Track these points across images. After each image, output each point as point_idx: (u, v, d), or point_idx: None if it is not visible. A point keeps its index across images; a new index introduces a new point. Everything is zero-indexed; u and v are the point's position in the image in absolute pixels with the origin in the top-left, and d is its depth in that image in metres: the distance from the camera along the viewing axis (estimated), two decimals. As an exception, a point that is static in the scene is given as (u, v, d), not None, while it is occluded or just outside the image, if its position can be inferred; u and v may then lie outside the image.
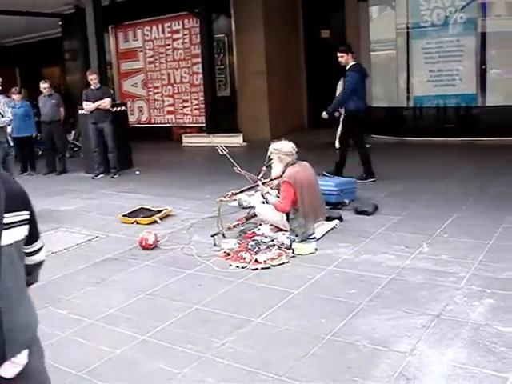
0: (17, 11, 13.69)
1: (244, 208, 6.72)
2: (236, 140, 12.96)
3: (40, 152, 12.45)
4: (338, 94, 8.85)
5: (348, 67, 8.35)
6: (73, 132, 13.68)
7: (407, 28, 12.13)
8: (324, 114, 8.44)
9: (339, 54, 8.43)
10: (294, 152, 5.71)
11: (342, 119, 9.12)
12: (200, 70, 14.43)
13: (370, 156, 8.26)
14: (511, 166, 8.50)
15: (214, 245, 5.57)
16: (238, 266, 4.96)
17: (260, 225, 5.97)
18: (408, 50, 12.17)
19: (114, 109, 10.65)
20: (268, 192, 5.78)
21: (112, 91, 13.80)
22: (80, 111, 10.70)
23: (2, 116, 7.92)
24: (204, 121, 14.58)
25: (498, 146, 10.30)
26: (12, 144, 8.27)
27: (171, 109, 15.48)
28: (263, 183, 5.86)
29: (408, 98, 12.34)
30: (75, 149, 13.58)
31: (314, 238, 5.51)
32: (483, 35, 11.24)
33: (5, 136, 8.00)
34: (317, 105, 13.86)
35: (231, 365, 3.35)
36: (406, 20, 12.12)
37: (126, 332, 3.89)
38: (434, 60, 11.77)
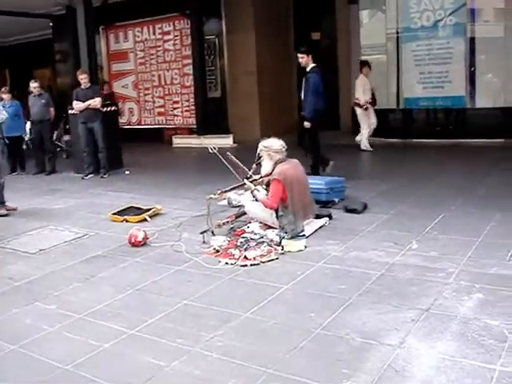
0: (6, 11, 13.62)
1: (233, 207, 6.71)
2: (226, 141, 12.96)
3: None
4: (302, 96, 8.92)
5: (309, 69, 8.49)
6: (55, 132, 13.57)
7: (397, 32, 12.21)
8: (307, 124, 8.48)
9: (299, 55, 8.58)
10: (283, 149, 5.72)
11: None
12: (191, 72, 14.44)
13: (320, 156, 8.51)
14: (500, 167, 8.56)
15: (204, 242, 5.56)
16: (227, 263, 4.95)
17: (249, 222, 5.96)
18: (398, 53, 12.24)
19: (105, 109, 10.62)
20: (255, 189, 5.79)
21: (103, 92, 13.78)
22: (70, 111, 10.66)
23: None
24: (194, 122, 14.59)
25: (487, 147, 10.39)
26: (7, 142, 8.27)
27: (162, 110, 15.47)
28: (251, 181, 5.87)
29: (398, 100, 12.39)
30: (58, 149, 13.47)
31: (304, 235, 5.52)
32: (472, 40, 11.36)
33: (1, 133, 8.01)
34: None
35: (220, 358, 3.34)
36: (396, 24, 12.20)
37: (115, 326, 3.87)
38: (424, 62, 11.84)
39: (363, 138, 11.16)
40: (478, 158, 9.67)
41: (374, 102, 11.27)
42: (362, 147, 11.08)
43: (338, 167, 8.31)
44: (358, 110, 11.30)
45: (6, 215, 7.50)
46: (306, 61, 8.47)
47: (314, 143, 8.56)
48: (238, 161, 6.14)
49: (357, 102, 11.26)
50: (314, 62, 8.50)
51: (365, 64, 11.31)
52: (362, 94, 11.13)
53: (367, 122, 11.21)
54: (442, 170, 8.54)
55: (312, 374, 3.09)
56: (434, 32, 11.70)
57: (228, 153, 6.19)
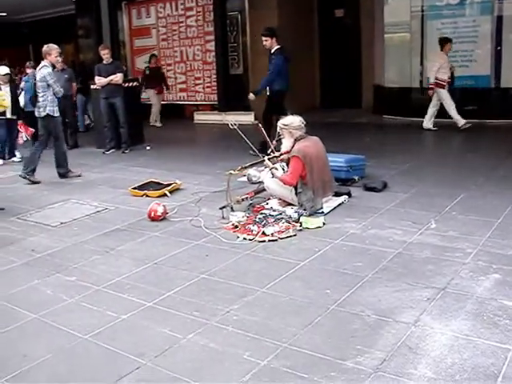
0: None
1: (253, 183, 6.69)
2: (248, 118, 12.89)
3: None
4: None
5: (273, 51, 8.88)
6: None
7: (422, 10, 12.01)
8: (251, 96, 8.97)
9: (263, 38, 8.98)
10: (303, 125, 5.72)
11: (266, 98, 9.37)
12: (213, 48, 14.39)
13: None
14: (523, 148, 8.46)
15: (223, 217, 5.59)
16: (245, 238, 4.98)
17: (269, 199, 5.99)
18: (422, 31, 12.05)
19: (126, 84, 10.65)
20: (274, 167, 5.80)
21: (125, 68, 13.82)
22: (92, 86, 10.71)
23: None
24: (216, 99, 14.56)
25: (511, 127, 10.22)
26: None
27: (183, 86, 15.45)
28: (269, 158, 5.88)
29: (421, 80, 12.23)
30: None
31: (322, 212, 5.52)
32: (499, 18, 11.13)
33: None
34: (329, 85, 13.84)
35: (235, 331, 3.38)
36: (421, 1, 12.00)
37: (133, 299, 3.93)
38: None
39: (427, 119, 10.67)
40: (501, 138, 9.54)
41: (452, 81, 10.62)
42: (430, 127, 10.60)
43: (359, 147, 8.24)
44: (442, 91, 10.45)
45: (79, 175, 8.28)
46: (269, 43, 8.88)
47: (265, 119, 8.87)
48: (266, 135, 6.12)
49: (440, 82, 10.43)
50: (278, 44, 8.85)
51: (447, 41, 10.60)
52: (439, 73, 10.39)
53: (450, 101, 10.49)
54: (464, 150, 8.46)
55: (326, 349, 3.12)
56: (460, 10, 11.48)
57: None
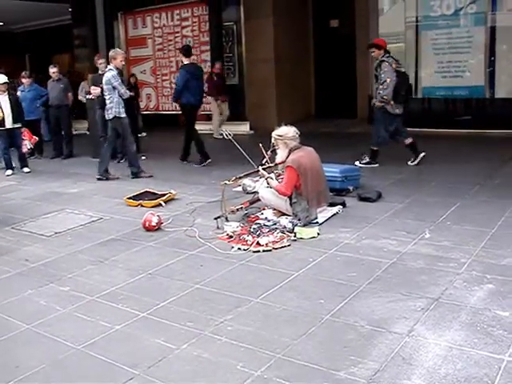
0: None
1: (248, 193, 6.74)
2: (243, 128, 12.98)
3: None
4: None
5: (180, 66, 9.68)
6: None
7: (416, 20, 12.08)
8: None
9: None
10: (297, 136, 5.74)
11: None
12: (208, 58, 14.44)
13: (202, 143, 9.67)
14: (517, 158, 8.49)
15: (217, 227, 5.59)
16: (239, 248, 4.98)
17: (263, 209, 5.99)
18: (417, 42, 12.13)
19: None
20: (269, 177, 5.81)
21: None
22: (88, 96, 10.72)
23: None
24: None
25: (506, 138, 10.26)
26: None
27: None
28: (264, 168, 5.89)
29: (416, 89, 12.28)
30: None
31: (317, 222, 5.53)
32: (492, 29, 11.21)
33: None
34: (325, 94, 13.88)
35: (229, 342, 3.37)
36: (416, 12, 12.08)
37: (127, 309, 3.93)
38: (443, 51, 11.73)
39: None
40: (495, 148, 9.57)
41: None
42: None
43: (352, 156, 8.26)
44: None
45: (151, 176, 8.58)
46: (182, 59, 9.67)
47: (186, 132, 9.81)
48: (263, 149, 6.16)
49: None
50: (188, 61, 9.56)
51: None
52: None
53: None
54: (459, 161, 8.47)
55: (320, 359, 3.11)
56: (454, 21, 11.56)
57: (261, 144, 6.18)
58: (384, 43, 8.58)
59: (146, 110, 15.99)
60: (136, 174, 8.62)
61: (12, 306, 4.12)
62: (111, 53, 8.53)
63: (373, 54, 8.54)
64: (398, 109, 8.28)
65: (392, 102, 8.17)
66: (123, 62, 8.79)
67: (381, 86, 8.19)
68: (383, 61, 8.23)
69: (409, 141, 8.34)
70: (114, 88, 8.32)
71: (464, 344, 3.18)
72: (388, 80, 8.08)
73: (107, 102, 8.40)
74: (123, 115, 8.47)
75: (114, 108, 8.39)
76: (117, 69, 8.49)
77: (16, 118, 9.62)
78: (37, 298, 4.23)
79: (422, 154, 8.23)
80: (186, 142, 9.79)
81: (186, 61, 9.51)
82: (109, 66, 8.55)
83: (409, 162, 8.27)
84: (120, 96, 8.38)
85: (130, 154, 8.80)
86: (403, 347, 3.19)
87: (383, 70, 8.18)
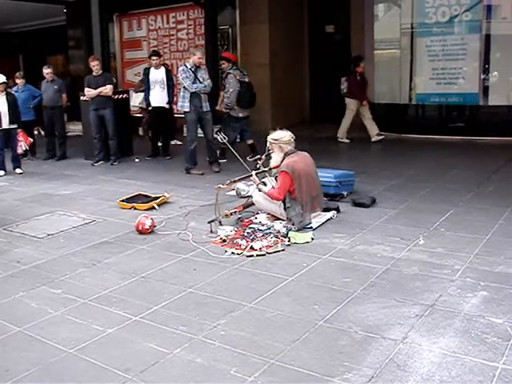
0: (22, -4, 13.64)
1: (242, 197, 6.69)
2: (237, 132, 12.91)
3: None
4: None
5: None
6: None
7: (412, 27, 12.12)
8: None
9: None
10: (292, 140, 5.73)
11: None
12: (203, 62, 14.37)
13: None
14: (511, 165, 8.50)
15: (211, 231, 5.57)
16: (233, 253, 4.96)
17: (257, 213, 5.98)
18: (412, 48, 12.16)
19: (116, 96, 10.64)
20: (261, 182, 5.81)
21: (115, 80, 13.78)
22: (82, 97, 10.68)
23: (201, 82, 8.70)
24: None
25: (499, 145, 10.30)
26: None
27: (173, 99, 15.42)
28: (260, 172, 5.88)
29: (410, 96, 12.32)
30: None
31: (311, 227, 5.52)
32: (487, 37, 11.25)
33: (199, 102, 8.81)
34: (319, 100, 13.90)
35: (222, 347, 3.35)
36: (411, 19, 12.11)
37: (119, 312, 3.89)
38: (438, 58, 11.76)
39: None
40: (489, 155, 9.59)
41: None
42: None
43: (347, 161, 8.27)
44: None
45: (202, 174, 8.69)
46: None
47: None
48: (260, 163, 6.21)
49: None
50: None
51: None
52: None
53: None
54: (453, 167, 8.49)
55: (314, 365, 3.10)
56: (449, 28, 11.59)
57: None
58: (232, 57, 10.36)
59: (140, 113, 15.90)
60: (187, 171, 8.87)
61: (3, 308, 4.08)
62: (191, 50, 9.20)
63: (223, 66, 9.78)
64: (242, 113, 9.55)
65: (236, 107, 9.41)
66: (201, 60, 8.95)
67: (226, 95, 9.39)
68: (229, 73, 9.45)
69: (250, 142, 9.67)
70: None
71: (458, 351, 3.17)
72: (231, 90, 9.27)
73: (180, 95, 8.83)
74: (186, 109, 8.69)
75: (179, 102, 8.78)
76: (195, 65, 8.73)
77: (12, 118, 9.55)
78: (28, 300, 4.19)
79: (258, 156, 8.54)
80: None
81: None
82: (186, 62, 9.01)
83: (248, 158, 8.94)
84: (186, 90, 8.64)
85: (185, 149, 9.02)
86: (397, 354, 3.18)
87: (228, 80, 9.40)
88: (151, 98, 10.57)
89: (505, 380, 2.87)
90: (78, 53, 16.42)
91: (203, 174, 8.62)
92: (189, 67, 8.72)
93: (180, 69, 8.84)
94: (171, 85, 10.77)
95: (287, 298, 4.00)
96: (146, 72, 10.70)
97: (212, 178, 7.93)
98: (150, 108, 10.76)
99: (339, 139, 11.48)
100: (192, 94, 8.64)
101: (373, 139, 11.30)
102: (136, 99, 12.24)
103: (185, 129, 9.67)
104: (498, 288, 4.00)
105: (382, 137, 11.24)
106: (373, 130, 11.43)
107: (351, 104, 11.53)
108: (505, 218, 5.70)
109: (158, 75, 10.58)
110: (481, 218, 5.72)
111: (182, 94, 8.73)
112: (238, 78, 9.40)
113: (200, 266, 4.72)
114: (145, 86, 10.71)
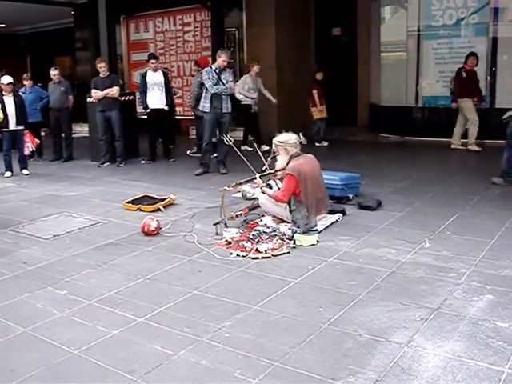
0: (30, -1, 13.73)
1: (248, 199, 6.72)
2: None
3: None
4: None
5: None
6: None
7: (418, 30, 12.12)
8: None
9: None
10: (298, 143, 5.73)
11: None
12: (210, 63, 14.40)
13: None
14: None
15: (216, 233, 5.57)
16: (238, 255, 4.96)
17: (263, 216, 5.97)
18: (418, 51, 12.15)
19: (122, 98, 10.67)
20: (265, 185, 5.82)
21: (121, 82, 13.83)
22: (88, 99, 10.72)
23: (224, 84, 8.82)
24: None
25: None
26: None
27: (180, 101, 15.46)
28: (266, 174, 5.88)
29: (417, 98, 12.31)
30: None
31: (316, 230, 5.51)
32: (494, 39, 11.24)
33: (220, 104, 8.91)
34: (327, 102, 13.85)
35: (227, 349, 3.35)
36: (418, 21, 12.11)
37: (124, 314, 3.90)
38: (444, 61, 11.75)
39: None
40: (496, 158, 9.54)
41: None
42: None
43: (354, 164, 8.26)
44: None
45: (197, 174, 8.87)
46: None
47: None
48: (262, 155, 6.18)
49: None
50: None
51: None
52: None
53: None
54: (460, 169, 8.47)
55: (318, 368, 3.09)
56: (456, 30, 11.60)
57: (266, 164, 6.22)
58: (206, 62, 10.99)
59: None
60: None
61: (8, 308, 4.09)
62: (218, 52, 9.07)
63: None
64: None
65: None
66: (225, 62, 8.92)
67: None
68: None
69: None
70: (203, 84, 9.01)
71: (463, 355, 3.16)
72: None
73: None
74: (206, 110, 8.83)
75: (202, 102, 8.95)
76: (219, 67, 8.80)
77: (19, 119, 9.58)
78: (33, 301, 4.20)
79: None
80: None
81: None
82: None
83: (188, 152, 10.00)
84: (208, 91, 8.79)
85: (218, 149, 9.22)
86: (402, 357, 3.16)
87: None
88: (150, 101, 10.48)
89: (510, 384, 2.86)
90: (85, 54, 16.51)
91: (197, 176, 8.80)
92: (213, 69, 8.82)
93: (206, 69, 9.00)
94: (169, 88, 10.82)
95: (292, 301, 4.00)
96: (144, 75, 10.67)
97: (218, 180, 7.94)
98: (148, 110, 10.62)
99: (453, 146, 10.65)
100: (213, 95, 8.72)
101: (453, 144, 10.61)
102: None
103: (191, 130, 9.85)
104: (503, 292, 3.98)
105: (460, 147, 10.38)
106: (459, 135, 10.65)
107: (466, 102, 10.53)
108: (511, 221, 5.68)
109: (156, 78, 10.53)
110: (487, 222, 5.71)
111: (204, 94, 8.91)
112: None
113: (205, 268, 4.72)
114: (140, 90, 10.64)
